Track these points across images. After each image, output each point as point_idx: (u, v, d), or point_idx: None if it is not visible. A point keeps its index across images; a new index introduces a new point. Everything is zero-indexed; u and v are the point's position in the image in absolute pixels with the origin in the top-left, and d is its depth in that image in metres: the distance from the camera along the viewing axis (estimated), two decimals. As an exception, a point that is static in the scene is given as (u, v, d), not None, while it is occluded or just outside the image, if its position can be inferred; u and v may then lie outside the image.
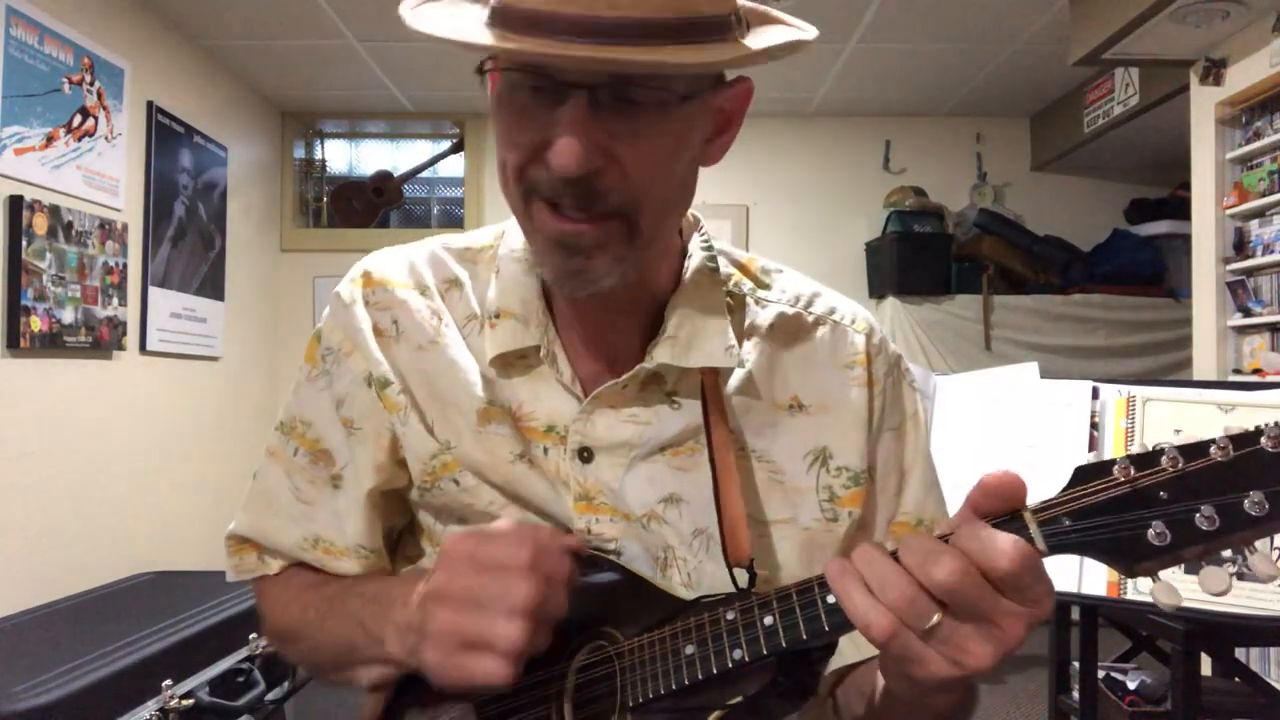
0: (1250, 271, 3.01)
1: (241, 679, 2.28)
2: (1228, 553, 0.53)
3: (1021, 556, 0.53)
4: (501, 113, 0.69)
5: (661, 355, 0.77)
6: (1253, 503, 0.49)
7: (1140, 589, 1.77)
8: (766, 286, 0.85)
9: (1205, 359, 3.15)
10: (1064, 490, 0.55)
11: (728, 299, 0.82)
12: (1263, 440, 0.49)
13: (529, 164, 0.68)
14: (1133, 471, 0.53)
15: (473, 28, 0.65)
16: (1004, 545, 0.53)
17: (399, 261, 0.85)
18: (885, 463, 0.83)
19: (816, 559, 0.79)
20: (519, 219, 0.74)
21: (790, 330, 0.83)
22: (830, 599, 0.61)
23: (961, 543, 0.55)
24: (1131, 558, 0.52)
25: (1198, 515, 0.50)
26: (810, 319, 0.84)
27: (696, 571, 0.77)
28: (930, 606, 0.54)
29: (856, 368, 0.83)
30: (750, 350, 0.81)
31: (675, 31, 0.62)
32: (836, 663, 0.79)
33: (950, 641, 0.54)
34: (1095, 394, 1.91)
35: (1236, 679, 2.24)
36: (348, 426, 0.82)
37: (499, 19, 0.64)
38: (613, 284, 0.71)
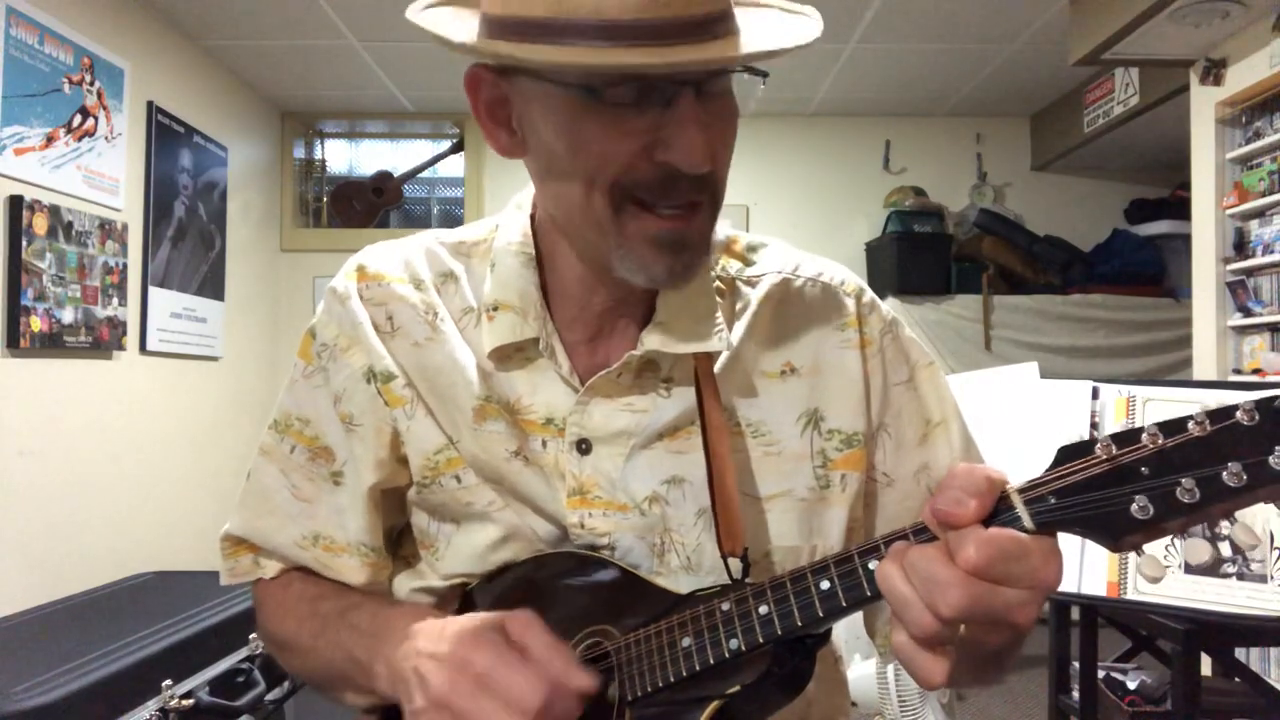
0: (1250, 271, 3.01)
1: (241, 679, 2.27)
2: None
3: (981, 552, 0.54)
4: (586, 125, 0.67)
5: (652, 342, 0.77)
6: (1231, 474, 0.51)
7: (1140, 589, 1.77)
8: (752, 263, 0.86)
9: (1205, 359, 3.15)
10: (1048, 469, 0.57)
11: (717, 282, 0.82)
12: (1238, 414, 0.51)
13: (628, 170, 0.68)
14: (1114, 449, 0.54)
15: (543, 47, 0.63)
16: (964, 542, 0.54)
17: (393, 256, 0.84)
18: (900, 416, 0.83)
19: (814, 527, 0.80)
20: (598, 229, 0.71)
21: (779, 296, 0.83)
22: (824, 585, 0.63)
23: (942, 536, 0.56)
24: (1117, 532, 0.54)
25: (1179, 488, 0.52)
26: (799, 281, 0.84)
27: (697, 552, 0.77)
28: (953, 634, 0.56)
29: (849, 330, 0.83)
30: (741, 327, 0.81)
31: (727, 21, 0.66)
32: None
33: (968, 638, 0.56)
34: (1095, 394, 1.91)
35: (1236, 679, 2.24)
36: (346, 423, 0.81)
37: (568, 31, 0.62)
38: (701, 270, 0.76)
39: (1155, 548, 0.54)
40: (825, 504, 0.80)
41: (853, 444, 0.80)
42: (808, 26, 0.70)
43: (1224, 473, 0.51)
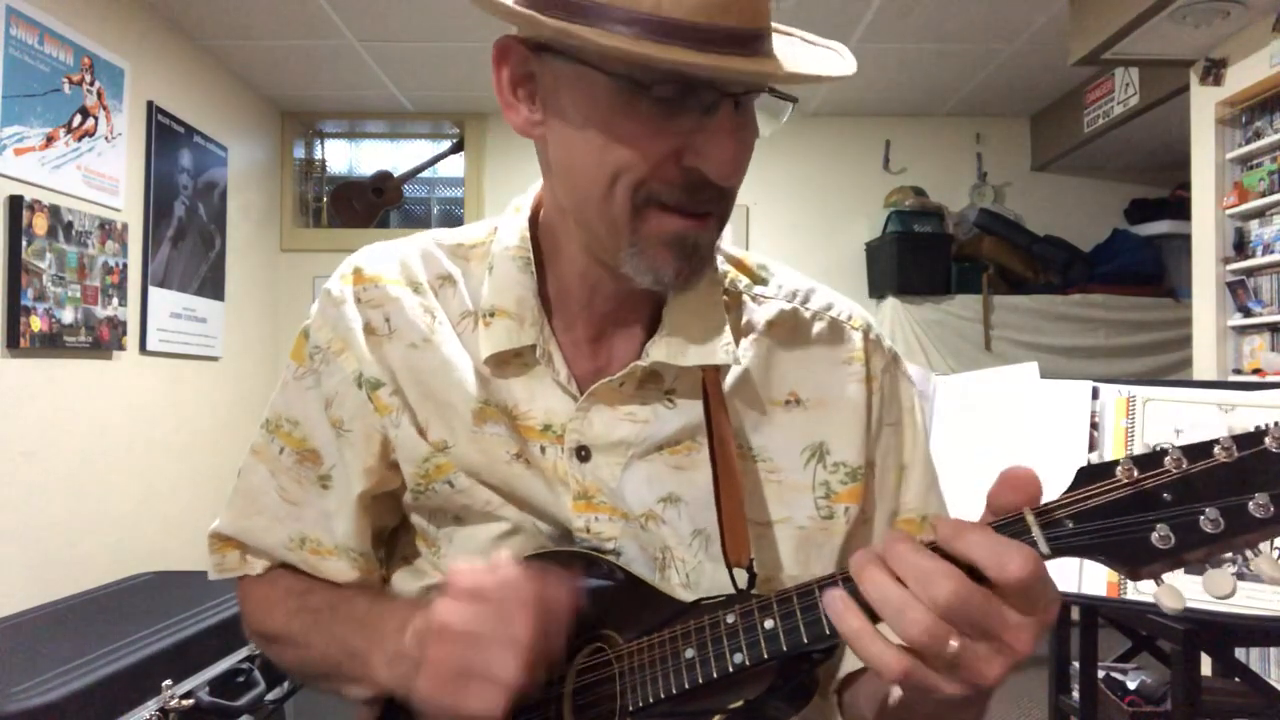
0: (1250, 271, 3.01)
1: (241, 679, 2.27)
2: (1230, 555, 0.52)
3: (1029, 565, 0.52)
4: (624, 118, 0.66)
5: (657, 353, 0.76)
6: (1258, 505, 0.48)
7: (1141, 589, 1.76)
8: (763, 282, 0.85)
9: (1205, 359, 3.15)
10: (1067, 492, 0.54)
11: (724, 296, 0.82)
12: (1267, 441, 0.49)
13: (655, 170, 0.67)
14: (1136, 473, 0.52)
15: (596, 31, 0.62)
16: (1012, 553, 0.52)
17: (390, 257, 0.83)
18: (884, 458, 0.83)
19: (813, 558, 0.79)
20: (612, 225, 0.70)
21: (787, 326, 0.83)
22: None
23: (967, 550, 0.53)
24: (1135, 561, 0.52)
25: (1202, 518, 0.49)
26: (808, 314, 0.84)
27: (695, 572, 0.77)
28: (949, 635, 0.52)
29: (854, 364, 0.82)
30: (747, 347, 0.81)
31: (769, 41, 0.66)
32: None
33: (961, 663, 0.53)
34: (1095, 394, 1.91)
35: (1236, 679, 2.24)
36: (337, 427, 0.81)
37: (618, 19, 0.61)
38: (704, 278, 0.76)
39: (1174, 575, 0.53)
40: (829, 535, 0.79)
41: (856, 477, 0.80)
42: (841, 57, 0.72)
43: (1250, 503, 0.48)
